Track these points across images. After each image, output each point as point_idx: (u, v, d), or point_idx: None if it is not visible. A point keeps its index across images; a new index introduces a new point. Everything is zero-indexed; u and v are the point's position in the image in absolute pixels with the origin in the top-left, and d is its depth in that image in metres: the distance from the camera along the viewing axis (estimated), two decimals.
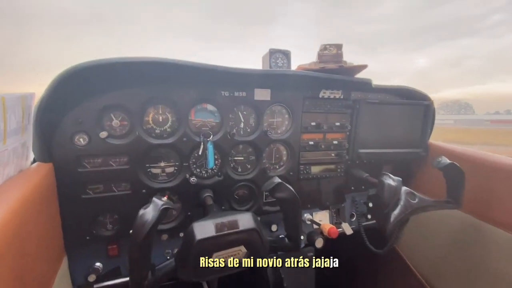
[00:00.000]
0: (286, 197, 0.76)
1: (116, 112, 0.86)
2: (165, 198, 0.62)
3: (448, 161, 1.02)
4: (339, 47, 1.06)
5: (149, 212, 0.58)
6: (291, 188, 0.77)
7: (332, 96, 1.18)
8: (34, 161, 0.80)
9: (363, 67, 1.10)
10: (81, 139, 0.82)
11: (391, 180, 0.99)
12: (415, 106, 1.33)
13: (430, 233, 1.30)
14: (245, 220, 0.69)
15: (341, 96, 1.20)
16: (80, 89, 0.78)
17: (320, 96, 1.16)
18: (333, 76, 1.08)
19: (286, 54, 1.16)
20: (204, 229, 0.65)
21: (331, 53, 1.07)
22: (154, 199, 0.60)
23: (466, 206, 1.09)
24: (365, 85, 1.16)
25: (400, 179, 0.99)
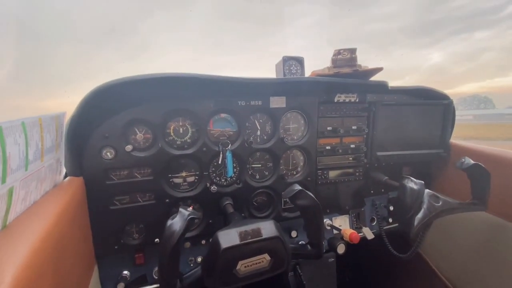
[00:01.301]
0: (307, 204, 0.77)
1: (140, 126, 0.90)
2: (190, 208, 0.64)
3: (472, 161, 0.99)
4: (353, 51, 1.06)
5: (176, 223, 0.60)
6: (312, 195, 0.77)
7: (347, 100, 1.18)
8: (66, 175, 0.85)
9: (379, 70, 1.09)
10: (108, 153, 0.86)
11: (413, 184, 0.97)
12: (434, 106, 1.30)
13: (455, 235, 1.26)
14: (268, 228, 0.70)
15: (357, 100, 1.19)
16: (105, 106, 0.83)
17: (335, 100, 1.16)
18: (347, 81, 1.08)
19: (299, 61, 1.17)
20: (228, 238, 0.67)
21: (345, 57, 1.07)
22: (181, 209, 0.63)
23: (492, 207, 1.05)
24: (381, 87, 1.15)
25: (422, 182, 0.97)
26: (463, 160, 1.01)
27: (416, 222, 0.96)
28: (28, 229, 0.51)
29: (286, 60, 1.16)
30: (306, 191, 0.77)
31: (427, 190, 1.00)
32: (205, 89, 0.93)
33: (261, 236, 0.68)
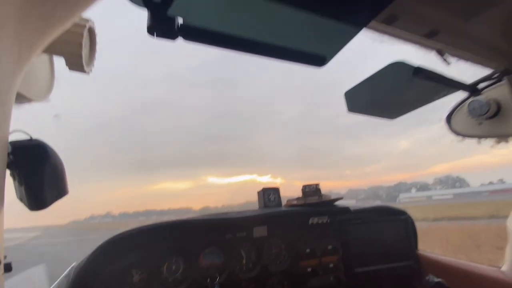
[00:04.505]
0: None
1: (137, 268, 1.01)
2: None
3: (436, 279, 1.13)
4: (317, 185, 1.34)
5: None
6: None
7: (320, 222, 1.37)
8: None
9: (339, 198, 1.35)
10: None
11: None
12: (395, 222, 1.51)
13: None
14: None
15: (328, 220, 1.38)
16: (109, 257, 0.95)
17: (310, 223, 1.34)
18: (317, 208, 1.30)
19: (276, 191, 1.42)
20: None
21: (312, 190, 1.34)
22: None
23: None
24: (345, 210, 1.37)
25: None
26: (428, 277, 1.15)
27: None
28: None
29: (266, 190, 1.41)
30: None
31: None
32: (198, 227, 1.10)
33: None
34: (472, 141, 1.40)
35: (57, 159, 0.44)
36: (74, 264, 0.94)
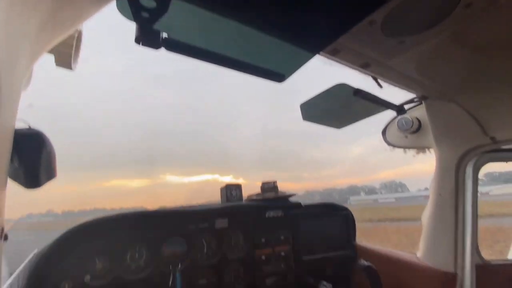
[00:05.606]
0: None
1: (100, 255, 1.04)
2: None
3: (366, 263, 1.37)
4: (275, 182, 1.51)
5: None
6: None
7: (275, 215, 1.53)
8: None
9: (293, 195, 1.54)
10: (66, 285, 0.95)
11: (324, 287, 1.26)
12: (338, 216, 1.76)
13: None
14: None
15: (282, 214, 1.56)
16: (72, 244, 0.98)
17: (266, 216, 1.50)
18: (273, 203, 1.47)
19: (238, 187, 1.55)
20: None
21: (270, 186, 1.50)
22: None
23: None
24: (297, 205, 1.57)
25: (331, 285, 1.27)
26: (361, 262, 1.39)
27: None
28: None
29: (229, 186, 1.52)
30: None
31: None
32: (162, 218, 1.17)
33: None
34: (411, 151, 1.72)
35: (51, 146, 0.50)
36: (35, 251, 0.94)
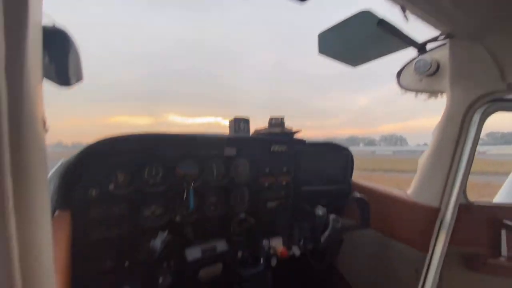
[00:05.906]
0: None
1: (121, 169, 1.15)
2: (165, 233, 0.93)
3: (359, 195, 1.51)
4: (282, 118, 1.55)
5: (158, 240, 0.89)
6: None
7: (280, 150, 1.62)
8: (54, 209, 1.02)
9: (299, 131, 1.59)
10: (93, 191, 1.08)
11: (320, 211, 1.42)
12: (338, 155, 1.86)
13: (357, 250, 1.75)
14: (221, 246, 1.03)
15: (286, 150, 1.65)
16: (97, 156, 1.07)
17: (272, 150, 1.59)
18: (279, 137, 1.54)
19: (246, 121, 1.59)
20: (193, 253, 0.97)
21: (277, 121, 1.54)
22: (160, 232, 0.91)
23: (376, 226, 1.57)
24: (302, 142, 1.64)
25: (325, 209, 1.42)
26: (354, 194, 1.53)
27: (322, 239, 1.40)
28: None
29: (237, 120, 1.57)
30: None
31: (332, 215, 1.46)
32: (175, 142, 1.25)
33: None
34: (419, 106, 1.70)
35: (76, 47, 0.51)
36: (62, 159, 1.04)
